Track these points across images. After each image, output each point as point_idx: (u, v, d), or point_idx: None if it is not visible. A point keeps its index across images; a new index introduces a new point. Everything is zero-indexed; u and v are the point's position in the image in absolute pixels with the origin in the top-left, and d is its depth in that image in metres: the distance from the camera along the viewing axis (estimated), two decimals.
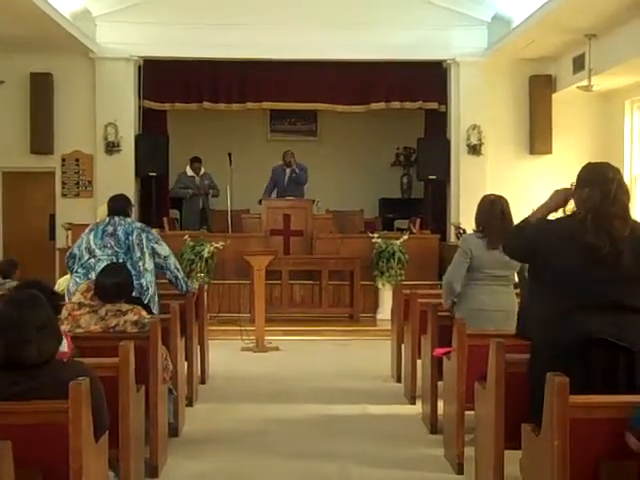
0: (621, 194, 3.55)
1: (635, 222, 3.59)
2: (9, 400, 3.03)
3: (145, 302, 5.63)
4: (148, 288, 5.91)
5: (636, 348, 3.37)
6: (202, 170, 12.27)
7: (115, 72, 12.01)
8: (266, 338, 9.05)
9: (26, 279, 5.70)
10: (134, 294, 5.41)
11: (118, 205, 6.19)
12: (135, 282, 5.55)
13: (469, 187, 11.76)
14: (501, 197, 5.49)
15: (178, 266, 6.35)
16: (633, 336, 3.40)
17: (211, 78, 12.53)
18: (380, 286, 10.81)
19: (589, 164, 3.73)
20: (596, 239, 3.45)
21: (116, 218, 6.05)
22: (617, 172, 3.64)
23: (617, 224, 3.47)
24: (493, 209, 5.37)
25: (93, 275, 5.65)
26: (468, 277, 5.43)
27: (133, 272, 5.57)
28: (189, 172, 12.23)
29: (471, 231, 5.67)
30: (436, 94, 12.60)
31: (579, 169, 3.71)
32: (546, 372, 3.30)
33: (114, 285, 4.97)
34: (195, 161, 12.23)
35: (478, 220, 5.49)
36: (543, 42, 11.06)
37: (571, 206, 3.68)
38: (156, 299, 6.06)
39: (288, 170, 12.01)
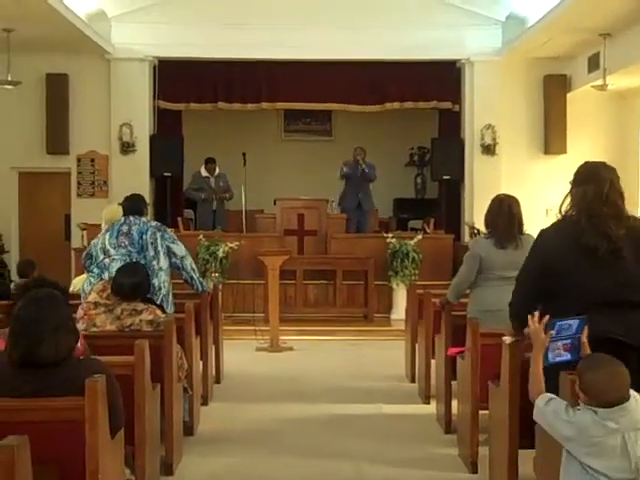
0: (614, 194, 3.59)
1: (634, 219, 3.63)
2: (27, 397, 3.06)
3: (158, 302, 5.65)
4: (160, 288, 5.91)
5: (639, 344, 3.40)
6: (217, 171, 12.30)
7: (130, 73, 12.07)
8: (280, 338, 9.06)
9: (32, 279, 5.74)
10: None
11: (133, 205, 6.22)
12: None
13: (483, 187, 11.73)
14: (510, 196, 5.49)
15: (194, 266, 6.36)
16: (635, 333, 3.43)
17: (226, 78, 12.57)
18: (394, 286, 10.81)
19: (585, 163, 3.77)
20: (592, 239, 3.49)
21: (131, 217, 6.08)
22: (611, 172, 3.67)
23: (611, 224, 3.50)
24: (501, 208, 5.37)
25: (107, 275, 5.69)
26: (478, 278, 5.44)
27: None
28: (204, 172, 12.28)
29: (481, 235, 5.70)
30: (450, 94, 12.59)
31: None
32: (557, 372, 3.32)
33: (132, 285, 5.01)
34: (209, 162, 12.27)
35: (487, 220, 5.49)
36: (558, 41, 11.03)
37: (565, 205, 3.69)
38: (170, 298, 6.07)
39: (359, 165, 12.01)
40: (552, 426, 3.10)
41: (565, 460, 3.07)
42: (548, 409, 3.12)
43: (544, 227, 3.81)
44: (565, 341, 3.29)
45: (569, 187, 3.73)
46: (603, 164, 3.73)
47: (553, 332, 3.29)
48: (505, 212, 5.34)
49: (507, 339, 4.01)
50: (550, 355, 3.29)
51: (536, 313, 3.37)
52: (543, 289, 3.65)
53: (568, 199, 3.69)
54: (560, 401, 3.12)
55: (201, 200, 12.31)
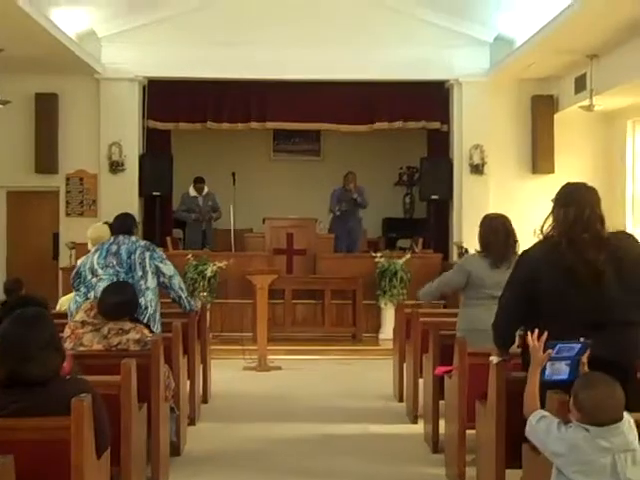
0: (594, 218, 3.60)
1: (615, 239, 3.63)
2: (12, 417, 3.05)
3: (144, 321, 5.62)
4: (147, 307, 5.88)
5: (627, 364, 3.43)
6: (205, 190, 12.30)
7: (120, 92, 12.09)
8: (268, 357, 9.05)
9: (17, 297, 5.72)
10: None
11: (122, 224, 6.20)
12: None
13: (472, 206, 11.77)
14: (501, 215, 5.51)
15: (182, 286, 6.34)
16: (623, 353, 3.46)
17: (215, 98, 12.60)
18: (382, 305, 10.83)
19: (567, 185, 3.78)
20: (573, 263, 3.51)
21: (120, 237, 6.06)
22: (592, 194, 3.69)
23: (590, 249, 3.52)
24: (493, 227, 5.38)
25: (92, 294, 5.66)
26: (467, 296, 5.46)
27: None
28: (192, 192, 12.28)
29: (473, 251, 5.69)
30: (439, 114, 12.66)
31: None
32: (542, 392, 3.33)
33: (117, 304, 5.00)
34: (198, 182, 12.27)
35: (480, 239, 5.49)
36: (545, 62, 11.12)
37: (547, 226, 3.71)
38: (157, 317, 6.03)
39: (350, 194, 12.03)
40: (543, 442, 3.12)
41: (554, 477, 3.07)
42: (540, 426, 3.14)
43: (525, 249, 3.83)
44: (565, 361, 3.31)
45: (551, 207, 3.75)
46: (584, 186, 3.74)
47: (552, 352, 3.30)
48: (500, 232, 5.34)
49: (494, 359, 4.02)
50: (547, 372, 3.32)
51: (536, 331, 3.38)
52: (526, 311, 3.66)
53: (550, 220, 3.71)
54: (552, 418, 3.14)
55: (191, 221, 12.31)
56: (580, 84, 11.11)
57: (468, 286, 5.44)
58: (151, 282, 5.95)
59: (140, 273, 5.90)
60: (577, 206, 3.61)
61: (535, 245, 3.76)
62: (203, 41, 11.74)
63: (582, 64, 10.71)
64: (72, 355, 4.24)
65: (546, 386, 3.36)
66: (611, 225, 3.71)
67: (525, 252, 3.81)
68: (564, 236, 3.58)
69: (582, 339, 3.33)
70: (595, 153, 12.32)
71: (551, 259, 3.58)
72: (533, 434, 3.19)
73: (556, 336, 3.41)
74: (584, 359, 3.32)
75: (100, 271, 5.88)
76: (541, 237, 3.72)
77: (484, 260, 5.37)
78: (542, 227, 3.72)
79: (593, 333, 3.42)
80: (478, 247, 5.55)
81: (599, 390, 3.00)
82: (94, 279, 5.86)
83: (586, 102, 10.57)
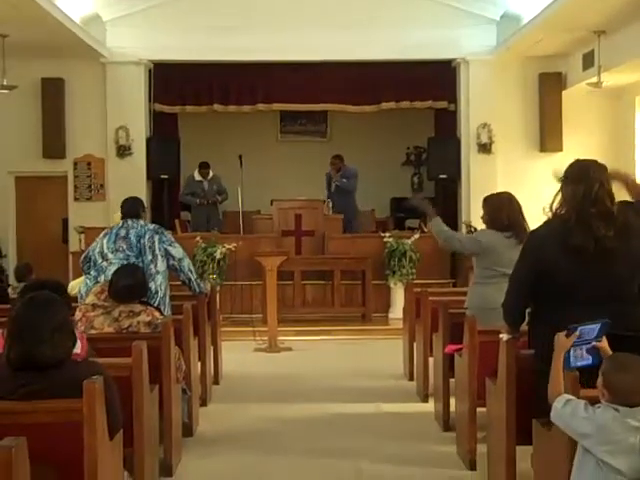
0: (603, 195, 3.59)
1: (624, 216, 3.62)
2: (25, 400, 3.07)
3: (155, 305, 5.64)
4: (157, 291, 5.92)
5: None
6: (210, 174, 12.26)
7: (126, 76, 12.07)
8: (279, 338, 9.08)
9: (35, 279, 5.75)
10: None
11: (130, 208, 6.22)
12: None
13: (480, 186, 11.72)
14: (506, 192, 5.51)
15: (192, 268, 6.38)
16: (633, 326, 3.45)
17: (221, 80, 12.58)
18: (392, 285, 10.83)
19: (576, 161, 3.78)
20: (581, 240, 3.51)
21: (129, 221, 6.08)
22: (602, 171, 3.68)
23: (600, 225, 3.52)
24: (513, 206, 5.35)
25: (103, 278, 5.70)
26: (479, 274, 5.45)
27: None
28: (197, 177, 12.22)
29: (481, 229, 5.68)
30: (446, 93, 12.61)
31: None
32: (549, 369, 3.33)
33: (127, 286, 5.02)
34: (203, 167, 12.18)
35: (497, 217, 5.40)
36: (552, 39, 11.04)
37: (556, 203, 3.70)
38: (167, 301, 6.07)
39: (333, 180, 11.99)
40: (570, 425, 3.10)
41: (580, 457, 3.07)
42: (566, 409, 3.12)
43: (534, 227, 3.83)
44: (587, 345, 3.30)
45: (560, 184, 3.74)
46: (594, 163, 3.73)
47: (577, 333, 3.28)
48: (518, 210, 5.33)
49: (504, 336, 4.03)
50: (572, 359, 3.29)
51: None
52: (536, 288, 3.67)
53: (559, 197, 3.70)
54: (578, 401, 3.12)
55: (196, 205, 12.29)
56: (588, 61, 11.04)
57: (480, 259, 5.42)
58: (161, 265, 5.98)
59: (150, 257, 5.93)
60: (586, 183, 3.60)
61: (544, 223, 3.77)
62: (209, 23, 11.69)
63: (590, 41, 10.63)
64: (86, 338, 4.26)
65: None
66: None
67: (534, 230, 3.83)
68: (573, 213, 3.58)
69: (602, 320, 3.30)
70: (603, 130, 12.26)
71: (560, 236, 3.58)
72: (559, 418, 3.16)
73: (564, 313, 3.41)
74: (604, 342, 3.30)
75: (110, 255, 5.91)
76: (550, 215, 3.72)
77: (496, 234, 5.35)
78: (551, 205, 3.71)
79: (602, 309, 3.42)
80: (485, 226, 5.54)
81: (633, 373, 2.98)
82: (104, 263, 5.89)
83: (594, 79, 10.50)
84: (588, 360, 3.30)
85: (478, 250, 5.42)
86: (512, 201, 5.41)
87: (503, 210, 5.39)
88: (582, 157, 3.86)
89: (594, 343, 3.30)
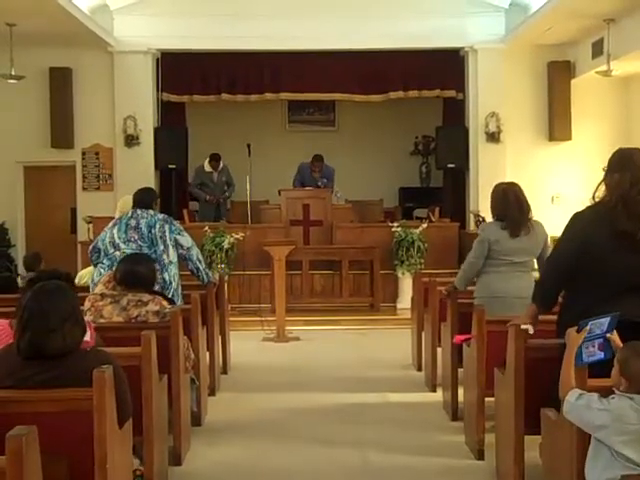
0: None
1: None
2: (35, 388, 3.09)
3: (169, 296, 5.65)
4: (171, 282, 5.94)
5: None
6: (220, 165, 12.24)
7: (133, 65, 12.07)
8: (287, 328, 9.09)
9: (44, 269, 5.76)
10: (157, 288, 5.44)
11: (141, 198, 6.22)
12: (159, 276, 5.60)
13: (488, 175, 11.70)
14: (512, 183, 5.51)
15: (200, 257, 6.38)
16: None
17: (229, 70, 12.56)
18: (400, 275, 10.83)
19: (620, 149, 3.80)
20: (628, 225, 3.52)
21: (139, 211, 6.08)
22: None
23: None
24: (507, 198, 5.37)
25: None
26: (486, 264, 5.45)
27: (157, 266, 5.61)
28: (207, 168, 12.20)
29: (490, 219, 5.69)
30: (454, 82, 12.57)
31: (609, 154, 3.77)
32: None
33: (132, 272, 5.01)
34: (213, 159, 12.14)
35: (494, 210, 5.51)
36: (561, 28, 10.99)
37: (600, 192, 3.70)
38: (179, 291, 6.10)
39: (315, 181, 11.95)
40: (584, 418, 3.10)
41: (594, 449, 3.07)
42: (580, 402, 3.11)
43: (578, 210, 3.81)
44: (598, 340, 3.29)
45: (603, 174, 3.75)
46: (637, 150, 3.74)
47: (587, 329, 3.27)
48: (513, 201, 5.35)
49: (529, 328, 3.97)
50: (584, 355, 3.28)
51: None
52: (575, 270, 3.65)
53: (602, 186, 3.69)
54: (590, 394, 3.12)
55: (204, 200, 12.27)
56: (597, 49, 10.99)
57: (490, 253, 5.43)
58: (173, 256, 6.00)
59: (162, 247, 5.94)
60: (632, 170, 3.61)
61: (589, 207, 3.76)
62: (216, 12, 11.68)
63: (599, 29, 10.58)
64: (95, 327, 4.28)
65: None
66: None
67: (579, 213, 3.79)
68: (620, 199, 3.57)
69: (612, 314, 3.30)
70: (613, 119, 12.20)
71: (606, 221, 3.58)
72: (573, 412, 3.15)
73: (600, 300, 3.40)
74: (614, 335, 3.28)
75: (122, 245, 5.92)
76: (593, 203, 3.71)
77: (501, 227, 5.37)
78: (594, 193, 3.72)
79: (637, 296, 3.42)
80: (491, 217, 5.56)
81: None
82: (117, 252, 5.89)
83: (603, 67, 10.45)
84: (600, 355, 3.28)
85: (487, 247, 5.44)
86: (507, 192, 5.41)
87: (498, 202, 5.47)
88: (591, 146, 3.88)
89: (608, 335, 3.29)
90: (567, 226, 3.82)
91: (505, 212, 5.38)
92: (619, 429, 2.95)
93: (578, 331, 3.27)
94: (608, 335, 3.29)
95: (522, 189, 5.45)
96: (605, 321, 3.29)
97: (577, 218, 3.79)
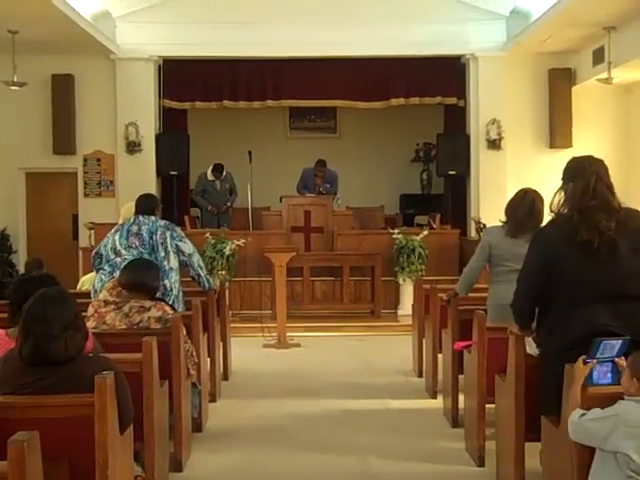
0: (601, 186, 3.59)
1: (628, 210, 3.63)
2: (36, 394, 3.10)
3: (170, 302, 5.65)
4: (172, 289, 5.94)
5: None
6: (223, 174, 12.24)
7: (135, 72, 12.10)
8: (288, 335, 9.09)
9: (25, 276, 5.74)
10: (157, 295, 5.44)
11: (143, 204, 6.23)
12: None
13: (489, 182, 11.77)
14: (536, 192, 5.46)
15: (201, 264, 6.39)
16: (636, 326, 3.45)
17: (231, 77, 12.59)
18: (401, 282, 10.83)
19: (573, 159, 3.80)
20: (586, 234, 3.50)
21: (140, 217, 6.10)
22: (598, 164, 3.69)
23: (600, 217, 3.51)
24: (524, 199, 5.35)
25: (117, 273, 5.71)
26: (493, 272, 5.45)
27: None
28: (210, 176, 12.20)
29: (499, 222, 5.67)
30: (455, 89, 12.59)
31: (610, 162, 3.78)
32: (557, 365, 3.34)
33: (137, 276, 5.01)
34: (216, 169, 12.15)
35: (507, 207, 5.46)
36: (562, 35, 11.01)
37: (556, 203, 3.70)
38: (181, 297, 6.10)
39: (318, 187, 11.97)
40: (591, 431, 3.09)
41: (598, 461, 3.07)
42: (583, 418, 3.12)
43: (539, 227, 3.83)
44: (609, 363, 3.33)
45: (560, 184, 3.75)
46: (589, 157, 3.74)
47: (596, 353, 3.29)
48: (527, 203, 5.32)
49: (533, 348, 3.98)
50: (595, 375, 3.31)
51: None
52: (544, 287, 3.65)
53: (557, 196, 3.70)
54: (594, 409, 3.13)
55: (206, 210, 12.28)
56: (598, 57, 11.01)
57: (491, 259, 5.43)
58: (174, 262, 6.01)
59: (163, 253, 5.95)
60: (583, 177, 3.61)
61: (549, 222, 3.77)
62: (218, 19, 11.71)
63: (600, 36, 10.60)
64: (94, 334, 4.28)
65: (555, 357, 3.41)
66: (631, 199, 3.70)
67: (540, 230, 3.83)
68: (575, 209, 3.58)
69: (624, 337, 3.32)
70: (613, 126, 12.22)
71: (565, 234, 3.57)
72: (579, 429, 3.14)
73: (571, 310, 3.42)
74: (621, 362, 3.29)
75: (124, 252, 5.93)
76: (553, 215, 3.72)
77: (502, 230, 5.37)
78: (551, 205, 3.72)
79: (606, 306, 3.43)
80: (500, 218, 5.54)
81: None
82: (118, 259, 5.91)
83: (604, 75, 10.47)
84: (608, 379, 3.32)
85: (488, 251, 5.44)
86: (526, 194, 5.35)
87: (514, 200, 5.45)
88: (592, 153, 3.86)
89: (616, 359, 3.32)
90: (530, 246, 3.78)
91: (514, 210, 5.35)
92: (628, 433, 2.96)
93: (590, 351, 3.27)
94: (616, 360, 3.31)
95: (543, 201, 5.37)
96: (617, 343, 3.30)
97: (539, 236, 3.78)
